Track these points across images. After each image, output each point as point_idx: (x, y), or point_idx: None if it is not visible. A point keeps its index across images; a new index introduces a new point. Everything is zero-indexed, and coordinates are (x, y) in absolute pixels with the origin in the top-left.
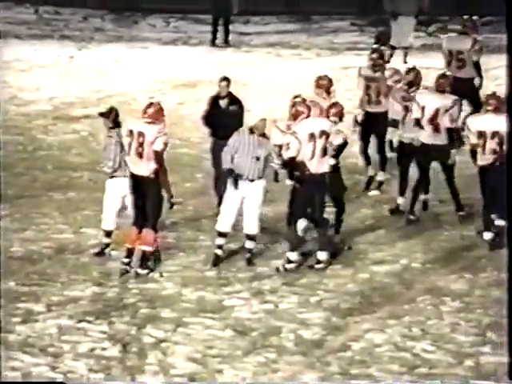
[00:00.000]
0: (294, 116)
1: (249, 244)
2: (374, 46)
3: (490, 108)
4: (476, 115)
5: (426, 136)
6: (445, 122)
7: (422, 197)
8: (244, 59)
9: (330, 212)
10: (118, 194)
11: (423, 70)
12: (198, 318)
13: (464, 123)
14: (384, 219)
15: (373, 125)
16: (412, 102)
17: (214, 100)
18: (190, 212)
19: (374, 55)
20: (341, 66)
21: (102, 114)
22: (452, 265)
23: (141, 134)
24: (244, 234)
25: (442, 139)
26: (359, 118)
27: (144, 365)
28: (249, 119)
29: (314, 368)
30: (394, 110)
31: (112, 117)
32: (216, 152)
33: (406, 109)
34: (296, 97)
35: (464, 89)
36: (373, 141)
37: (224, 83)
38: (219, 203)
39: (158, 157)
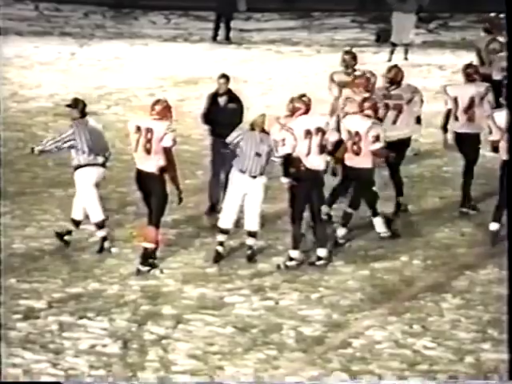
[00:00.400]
0: (292, 112)
1: (250, 241)
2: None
3: None
4: (501, 110)
5: (459, 126)
6: (486, 108)
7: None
8: (245, 56)
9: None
10: (90, 182)
11: (424, 67)
12: (199, 315)
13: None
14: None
15: None
16: (391, 101)
17: (213, 97)
18: (191, 209)
19: (347, 56)
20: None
21: (69, 106)
22: (453, 262)
23: (149, 131)
24: (245, 231)
25: (476, 128)
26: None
27: (145, 361)
28: (249, 116)
29: (315, 365)
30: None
31: (79, 108)
32: (215, 150)
33: (387, 106)
34: (302, 96)
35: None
36: None
37: (223, 80)
38: (211, 202)
39: (167, 153)
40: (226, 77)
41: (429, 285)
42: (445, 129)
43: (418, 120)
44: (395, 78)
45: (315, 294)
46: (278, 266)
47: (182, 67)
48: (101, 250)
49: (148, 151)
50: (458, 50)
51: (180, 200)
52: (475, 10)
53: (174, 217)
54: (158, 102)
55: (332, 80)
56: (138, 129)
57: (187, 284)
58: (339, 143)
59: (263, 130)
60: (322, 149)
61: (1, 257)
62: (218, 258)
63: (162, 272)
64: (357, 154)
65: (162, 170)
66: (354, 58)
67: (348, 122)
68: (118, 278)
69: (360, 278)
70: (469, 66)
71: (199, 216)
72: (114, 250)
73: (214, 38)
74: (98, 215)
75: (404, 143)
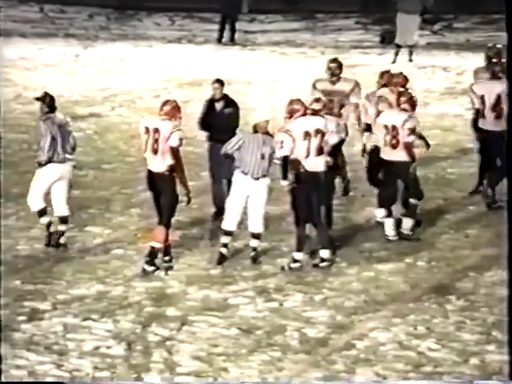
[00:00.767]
0: (290, 114)
1: (254, 242)
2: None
3: None
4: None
5: (487, 123)
6: None
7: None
8: (249, 57)
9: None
10: (48, 179)
11: (428, 68)
12: (203, 317)
13: None
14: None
15: None
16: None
17: (210, 103)
18: (195, 210)
19: (333, 65)
20: (346, 64)
21: (37, 99)
22: (457, 263)
23: (156, 131)
24: (249, 233)
25: (502, 125)
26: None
27: (149, 363)
28: (253, 117)
29: (319, 366)
30: (368, 114)
31: (47, 102)
32: (213, 155)
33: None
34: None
35: None
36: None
37: (217, 85)
38: (217, 206)
39: (174, 152)
40: (220, 82)
41: (433, 286)
42: (476, 128)
43: None
44: (388, 83)
45: (319, 296)
46: (282, 268)
47: (187, 69)
48: (56, 244)
49: (155, 151)
50: (463, 51)
51: (189, 200)
52: (480, 12)
53: (178, 218)
54: (166, 102)
55: (315, 88)
56: (147, 129)
57: (191, 285)
58: (340, 144)
59: (267, 132)
60: (321, 150)
61: (1, 258)
62: (222, 259)
63: (166, 273)
64: (394, 147)
65: (172, 169)
66: (340, 66)
67: (384, 118)
68: (123, 280)
69: (364, 279)
70: (494, 64)
71: (203, 218)
72: (118, 251)
73: (219, 40)
74: (62, 210)
75: None
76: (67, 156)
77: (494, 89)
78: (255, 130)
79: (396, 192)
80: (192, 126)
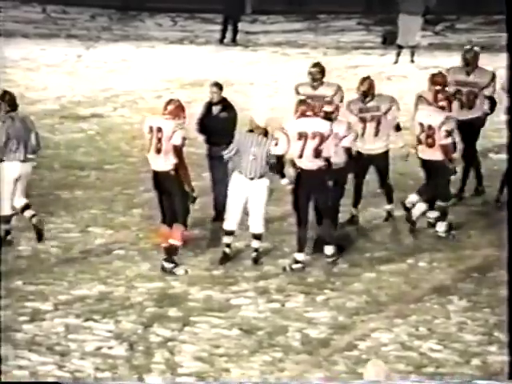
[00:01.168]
0: (300, 113)
1: (255, 243)
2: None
3: None
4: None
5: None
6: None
7: (386, 207)
8: (251, 58)
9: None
10: (10, 177)
11: (430, 69)
12: (205, 317)
13: None
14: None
15: None
16: (368, 113)
17: (208, 106)
18: (196, 211)
19: (314, 69)
20: (347, 65)
21: None
22: (459, 264)
23: (159, 130)
24: (250, 233)
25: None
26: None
27: (151, 364)
28: (255, 118)
29: (321, 367)
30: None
31: (7, 100)
32: (211, 158)
33: (363, 120)
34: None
35: None
36: None
37: (215, 89)
38: (217, 208)
39: (177, 151)
40: (218, 85)
41: (435, 287)
42: None
43: (398, 127)
44: (369, 90)
45: (321, 297)
46: (284, 269)
47: (189, 69)
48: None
49: (158, 150)
50: None
51: (193, 199)
52: (482, 12)
53: None
54: (170, 101)
55: (297, 92)
56: (151, 129)
57: (193, 286)
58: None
59: (264, 133)
60: (318, 154)
61: (1, 258)
62: (225, 259)
63: (186, 272)
64: (431, 146)
65: (177, 168)
66: (322, 71)
67: (421, 116)
68: (124, 280)
69: (366, 280)
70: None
71: (205, 218)
72: (120, 252)
73: (221, 41)
74: (6, 209)
75: (387, 154)
76: (28, 156)
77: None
78: (250, 130)
79: (436, 189)
80: (194, 126)
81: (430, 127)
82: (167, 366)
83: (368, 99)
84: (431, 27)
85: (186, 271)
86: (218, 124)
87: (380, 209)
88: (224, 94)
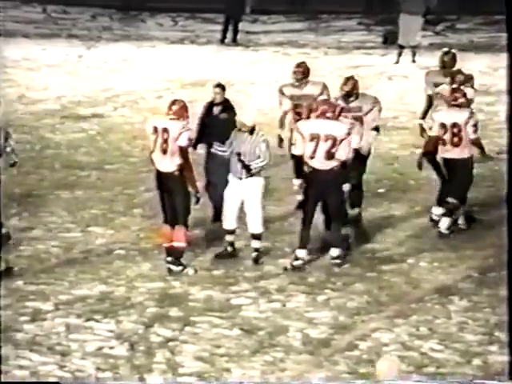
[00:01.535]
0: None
1: (255, 243)
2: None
3: None
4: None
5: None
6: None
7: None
8: (252, 58)
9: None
10: None
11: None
12: (206, 317)
13: None
14: (392, 218)
15: None
16: (350, 113)
17: (209, 106)
18: (198, 211)
19: (298, 69)
20: (348, 65)
21: None
22: (460, 264)
23: (165, 131)
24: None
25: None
26: (285, 139)
27: (152, 364)
28: (257, 118)
29: (322, 367)
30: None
31: None
32: (209, 158)
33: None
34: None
35: None
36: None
37: (218, 90)
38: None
39: (183, 152)
40: (221, 86)
41: (436, 287)
42: None
43: (377, 129)
44: (353, 89)
45: (322, 296)
46: (285, 268)
47: (189, 69)
48: None
49: (164, 151)
50: (466, 52)
51: (197, 199)
52: (483, 12)
53: None
54: (174, 102)
55: (282, 94)
56: (155, 129)
57: (194, 286)
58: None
59: (250, 131)
60: (330, 156)
61: (0, 256)
62: (223, 255)
63: (196, 271)
64: (456, 145)
65: (181, 169)
66: (306, 70)
67: (442, 116)
68: (125, 280)
69: (367, 280)
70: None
71: (206, 218)
72: (120, 252)
73: (222, 41)
74: None
75: (366, 156)
76: None
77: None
78: (239, 129)
79: (458, 187)
80: (194, 126)
81: (454, 125)
82: (168, 365)
83: (351, 99)
84: (432, 27)
85: (196, 270)
86: (217, 125)
87: (381, 209)
88: (225, 93)
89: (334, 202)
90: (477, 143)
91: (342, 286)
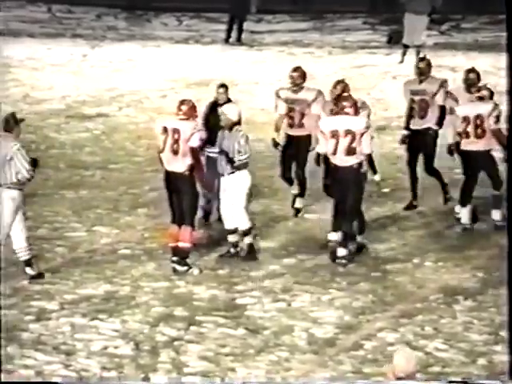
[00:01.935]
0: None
1: (246, 239)
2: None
3: None
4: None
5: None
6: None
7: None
8: (256, 58)
9: None
10: None
11: (436, 68)
12: (211, 317)
13: None
14: (396, 217)
15: (296, 148)
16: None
17: (212, 106)
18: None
19: (295, 74)
20: (353, 64)
21: None
22: (465, 263)
23: (176, 131)
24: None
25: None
26: (281, 142)
27: (157, 363)
28: (261, 117)
29: (327, 367)
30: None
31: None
32: (208, 158)
33: None
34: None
35: None
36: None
37: (222, 90)
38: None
39: (194, 153)
40: (224, 86)
41: (441, 287)
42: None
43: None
44: (343, 92)
45: (327, 296)
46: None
47: (194, 69)
48: None
49: (175, 152)
50: (470, 51)
51: (208, 200)
52: (488, 12)
53: None
54: (183, 102)
55: (278, 97)
56: (165, 130)
57: (199, 286)
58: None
59: (230, 128)
60: (350, 152)
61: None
62: (226, 255)
63: (201, 271)
64: (480, 137)
65: (192, 169)
66: (303, 75)
67: (465, 109)
68: (130, 280)
69: (372, 279)
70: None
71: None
72: (125, 251)
73: (227, 40)
74: None
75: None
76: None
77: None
78: (221, 126)
79: (476, 184)
80: None
81: (477, 117)
82: (173, 365)
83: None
84: (437, 27)
85: (201, 270)
86: (219, 124)
87: (385, 208)
88: (229, 93)
89: (350, 200)
90: (496, 134)
91: (347, 286)
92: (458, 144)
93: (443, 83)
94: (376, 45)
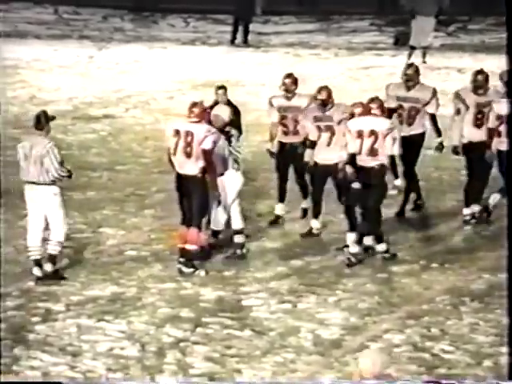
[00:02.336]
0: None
1: (237, 238)
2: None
3: None
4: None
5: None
6: None
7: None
8: (263, 59)
9: None
10: None
11: (442, 70)
12: (217, 318)
13: None
14: (402, 219)
15: (290, 155)
16: (322, 123)
17: (213, 107)
18: None
19: (288, 80)
20: (360, 66)
21: None
22: (471, 265)
23: (189, 134)
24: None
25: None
26: (274, 150)
27: (162, 364)
28: (267, 119)
29: (333, 368)
30: (308, 130)
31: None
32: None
33: (319, 129)
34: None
35: None
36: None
37: (221, 91)
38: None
39: (207, 155)
40: (223, 88)
41: (447, 288)
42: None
43: None
44: (328, 98)
45: (333, 297)
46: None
47: (201, 70)
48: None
49: (188, 155)
50: (477, 53)
51: (219, 202)
52: (494, 13)
53: None
54: (195, 104)
55: (271, 105)
56: (177, 132)
57: (205, 287)
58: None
59: (221, 129)
60: (373, 152)
61: (1, 259)
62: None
63: (207, 273)
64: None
65: (204, 171)
66: (295, 82)
67: (499, 107)
68: (136, 281)
69: (378, 281)
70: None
71: None
72: (131, 253)
73: (233, 42)
74: None
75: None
76: None
77: None
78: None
79: (486, 186)
80: None
81: (499, 117)
82: (179, 366)
83: (328, 107)
84: (443, 28)
85: (207, 272)
86: None
87: (392, 210)
88: (235, 94)
89: (370, 201)
90: (489, 132)
91: (353, 287)
92: (463, 146)
93: (435, 92)
94: (383, 46)
